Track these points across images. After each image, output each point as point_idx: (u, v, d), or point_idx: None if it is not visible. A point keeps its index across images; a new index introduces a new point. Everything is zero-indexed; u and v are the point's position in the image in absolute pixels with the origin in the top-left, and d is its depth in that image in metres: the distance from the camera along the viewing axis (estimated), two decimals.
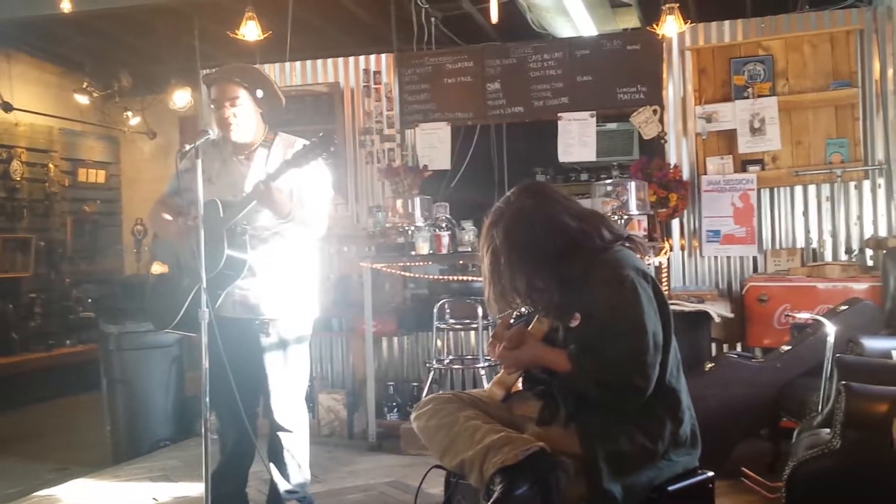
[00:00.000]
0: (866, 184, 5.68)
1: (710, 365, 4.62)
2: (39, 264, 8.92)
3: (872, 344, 3.86)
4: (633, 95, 6.06)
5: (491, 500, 2.44)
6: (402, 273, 5.87)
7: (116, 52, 8.67)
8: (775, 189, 5.83)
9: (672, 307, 2.76)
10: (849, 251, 5.68)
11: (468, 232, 5.50)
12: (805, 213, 5.79)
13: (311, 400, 5.91)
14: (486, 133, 7.05)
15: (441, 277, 5.70)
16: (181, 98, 9.10)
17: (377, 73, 6.58)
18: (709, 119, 5.88)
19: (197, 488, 4.61)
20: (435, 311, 5.61)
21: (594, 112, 6.13)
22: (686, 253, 5.96)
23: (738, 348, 5.58)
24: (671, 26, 5.62)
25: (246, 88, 3.76)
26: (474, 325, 5.59)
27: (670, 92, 6.01)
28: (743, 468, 4.31)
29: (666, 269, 5.60)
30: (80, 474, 5.29)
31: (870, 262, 5.58)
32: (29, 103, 8.77)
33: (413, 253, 5.52)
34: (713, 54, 5.97)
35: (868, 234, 5.64)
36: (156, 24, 7.59)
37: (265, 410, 3.95)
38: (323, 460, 5.26)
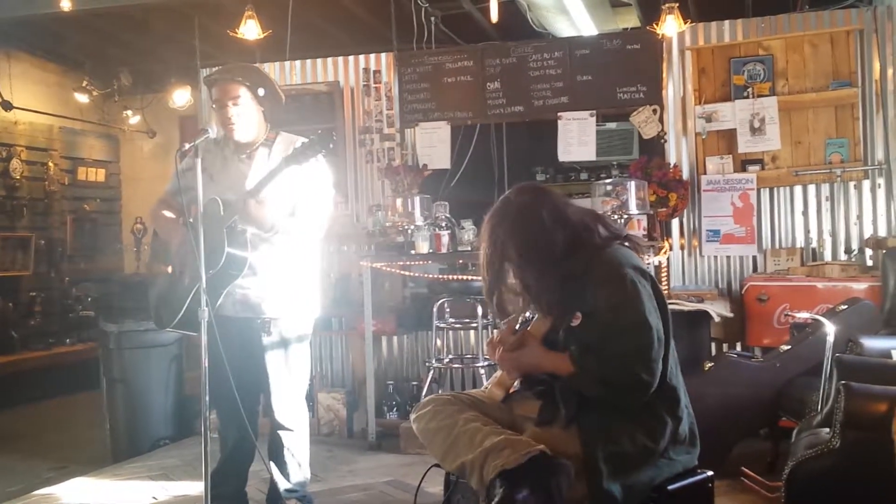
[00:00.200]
0: (866, 184, 5.68)
1: (709, 364, 4.62)
2: (39, 263, 8.92)
3: (872, 343, 3.87)
4: (633, 95, 6.06)
5: None
6: (402, 272, 5.87)
7: (116, 50, 8.67)
8: (775, 189, 5.83)
9: (672, 306, 2.77)
10: (848, 251, 5.68)
11: (468, 231, 5.50)
12: (805, 213, 5.79)
13: (311, 399, 5.91)
14: (485, 132, 7.05)
15: (441, 276, 5.70)
16: (181, 97, 9.10)
17: (377, 72, 6.57)
18: (708, 119, 5.88)
19: (196, 487, 4.61)
20: (434, 310, 5.62)
21: (594, 111, 6.13)
22: (686, 252, 5.96)
23: (738, 348, 5.58)
24: (671, 26, 5.63)
25: (248, 87, 3.77)
26: (474, 325, 5.60)
27: (670, 91, 6.01)
28: (742, 468, 4.31)
29: (666, 269, 5.60)
30: (79, 473, 5.29)
31: (869, 262, 5.58)
32: (29, 102, 8.77)
33: (413, 252, 5.52)
34: (713, 54, 5.97)
35: (868, 233, 5.64)
36: (156, 22, 7.59)
37: (266, 409, 3.96)
38: (322, 459, 5.26)
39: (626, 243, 2.75)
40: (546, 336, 2.74)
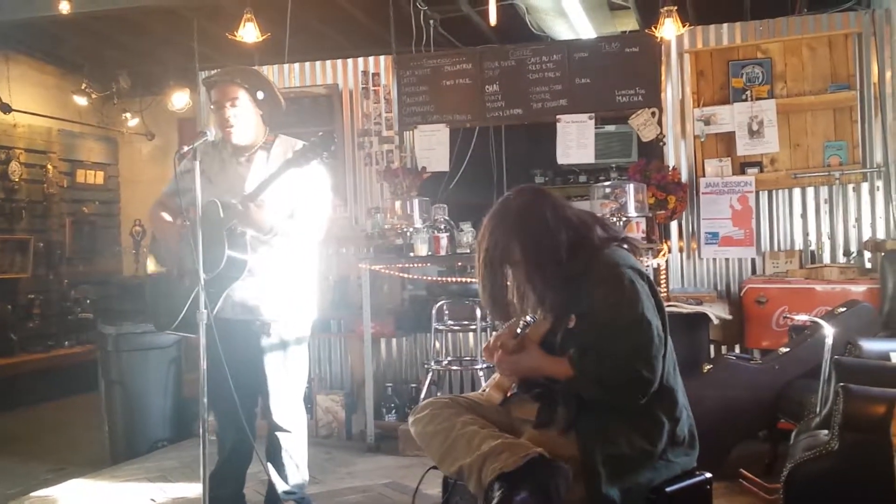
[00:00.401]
0: (864, 186, 5.69)
1: (708, 366, 4.62)
2: (38, 265, 8.91)
3: (870, 346, 3.87)
4: (632, 98, 6.06)
5: None
6: (401, 274, 5.87)
7: (115, 53, 8.67)
8: (773, 191, 5.84)
9: (670, 309, 2.78)
10: (847, 253, 5.68)
11: (467, 233, 5.50)
12: (803, 216, 5.80)
13: (310, 401, 5.92)
14: (484, 135, 7.05)
15: (439, 279, 5.70)
16: (180, 99, 9.11)
17: (376, 74, 6.58)
18: (707, 121, 5.88)
19: (195, 489, 4.61)
20: (433, 312, 5.62)
21: (593, 114, 6.13)
22: (684, 255, 5.96)
23: (737, 350, 5.59)
24: (669, 29, 5.63)
25: (246, 90, 3.77)
26: (473, 327, 5.60)
27: (669, 94, 6.02)
28: (741, 469, 4.31)
29: (664, 271, 5.61)
30: (77, 475, 5.29)
31: (868, 265, 5.58)
32: (28, 104, 8.77)
33: (411, 254, 5.52)
34: (711, 57, 5.98)
35: (866, 236, 5.64)
36: (154, 25, 7.59)
37: (264, 411, 3.96)
38: (321, 461, 5.26)
39: (625, 245, 2.75)
40: (544, 338, 2.73)
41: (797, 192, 5.81)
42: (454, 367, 5.78)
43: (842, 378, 3.17)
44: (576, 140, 6.14)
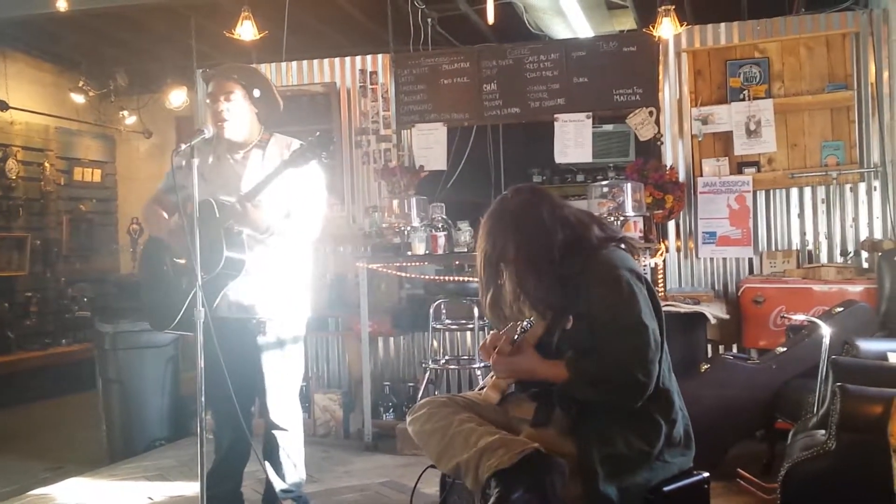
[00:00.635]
0: (862, 186, 5.70)
1: (705, 366, 4.62)
2: (35, 263, 8.91)
3: (868, 346, 3.87)
4: (630, 97, 6.06)
5: None
6: (398, 273, 5.87)
7: (113, 51, 8.66)
8: (771, 191, 5.84)
9: (668, 308, 2.78)
10: (844, 253, 5.69)
11: (464, 232, 5.50)
12: (801, 215, 5.81)
13: (307, 400, 5.93)
14: (482, 134, 7.06)
15: (437, 278, 5.70)
16: (177, 97, 9.11)
17: (373, 73, 6.58)
18: (705, 121, 5.89)
19: (192, 488, 4.62)
20: (431, 311, 5.62)
21: (590, 113, 6.13)
22: (682, 254, 5.97)
23: (734, 350, 5.60)
24: (667, 28, 5.63)
25: (243, 86, 3.78)
26: (470, 326, 5.60)
27: (666, 94, 6.02)
28: (738, 469, 4.32)
29: (662, 271, 5.61)
30: (75, 473, 5.29)
31: (865, 265, 5.59)
32: (25, 102, 8.76)
33: (409, 253, 5.52)
34: (709, 56, 5.98)
35: (863, 236, 5.65)
36: (152, 23, 7.58)
37: (261, 409, 3.96)
38: (319, 460, 5.26)
39: (622, 245, 2.74)
40: (541, 339, 2.73)
41: (794, 191, 5.82)
42: (452, 367, 5.78)
43: (839, 378, 3.18)
44: (573, 139, 6.14)
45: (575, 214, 2.74)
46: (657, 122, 6.00)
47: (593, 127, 6.18)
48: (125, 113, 9.83)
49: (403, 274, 5.93)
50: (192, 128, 7.01)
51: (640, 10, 6.87)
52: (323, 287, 6.19)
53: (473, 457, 2.51)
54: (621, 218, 5.21)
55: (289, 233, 3.75)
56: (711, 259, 5.92)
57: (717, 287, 5.88)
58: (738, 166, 5.88)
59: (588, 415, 2.58)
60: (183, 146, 3.45)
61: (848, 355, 3.81)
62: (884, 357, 3.67)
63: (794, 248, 5.79)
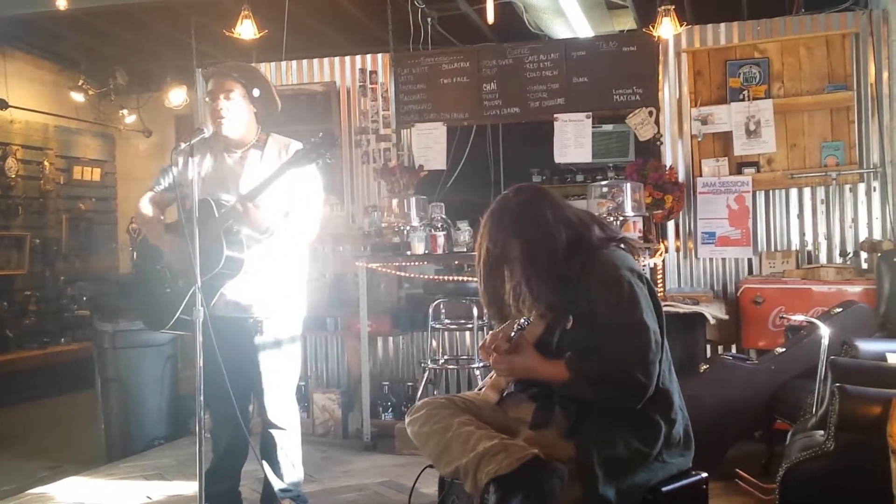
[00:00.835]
0: (861, 187, 5.70)
1: (704, 366, 4.63)
2: (34, 262, 8.90)
3: (866, 346, 3.87)
4: (629, 97, 6.06)
5: None
6: (398, 273, 5.87)
7: (112, 49, 8.65)
8: (770, 191, 5.84)
9: (667, 309, 2.77)
10: (843, 254, 5.69)
11: (464, 232, 5.50)
12: (800, 216, 5.81)
13: (306, 399, 5.93)
14: (482, 133, 7.06)
15: (436, 277, 5.70)
16: (177, 96, 9.09)
17: (373, 72, 6.58)
18: (704, 121, 5.89)
19: (191, 487, 4.62)
20: (430, 310, 5.62)
21: (590, 113, 6.13)
22: (681, 254, 5.97)
23: (733, 350, 5.59)
24: (667, 28, 5.63)
25: (243, 85, 3.79)
26: (469, 326, 5.60)
27: (666, 94, 6.02)
28: (737, 469, 4.31)
29: (661, 271, 5.61)
30: (73, 472, 5.29)
31: (864, 265, 5.59)
32: (24, 101, 8.75)
33: (408, 253, 5.52)
34: (709, 56, 5.98)
35: (863, 236, 5.65)
36: (152, 22, 7.57)
37: (259, 409, 3.96)
38: (317, 460, 5.26)
39: (622, 245, 2.74)
40: (540, 338, 2.73)
41: (794, 192, 5.82)
42: (451, 366, 5.78)
43: (838, 378, 3.18)
44: (573, 139, 6.14)
45: (576, 214, 2.74)
46: (657, 123, 6.00)
47: (593, 127, 6.19)
48: (125, 112, 9.81)
49: (403, 273, 5.93)
50: (192, 127, 7.00)
51: (639, 10, 6.86)
52: (322, 286, 6.19)
53: (472, 461, 2.51)
54: (621, 218, 5.21)
55: (287, 233, 3.75)
56: (711, 259, 5.91)
57: (716, 287, 5.88)
58: (738, 166, 5.88)
59: (587, 416, 2.58)
60: (183, 145, 3.46)
61: (847, 356, 3.81)
62: (883, 358, 3.67)
63: (793, 248, 5.79)
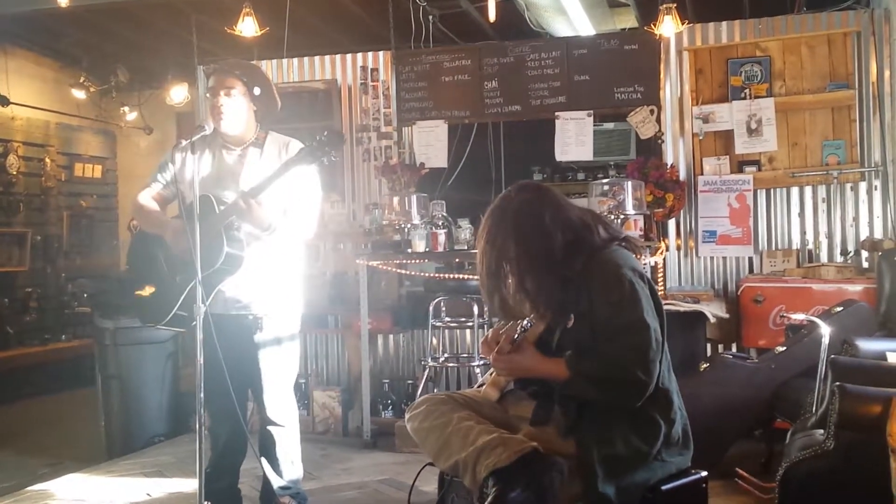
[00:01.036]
0: (862, 185, 5.69)
1: (704, 365, 4.63)
2: (35, 259, 8.91)
3: (867, 345, 3.87)
4: (631, 95, 6.06)
5: None
6: (398, 270, 5.87)
7: (114, 47, 8.65)
8: (772, 190, 5.84)
9: (667, 307, 2.77)
10: (844, 253, 5.68)
11: (464, 230, 5.50)
12: (801, 215, 5.80)
13: (307, 397, 5.93)
14: (483, 131, 7.05)
15: (437, 275, 5.70)
16: (178, 93, 9.09)
17: (375, 70, 6.57)
18: (706, 119, 5.88)
19: (190, 484, 4.62)
20: (430, 308, 5.62)
21: (591, 111, 6.13)
22: (682, 253, 5.96)
23: (734, 349, 5.59)
24: (669, 26, 5.63)
25: (244, 83, 3.79)
26: (470, 324, 5.60)
27: (667, 92, 6.02)
28: (737, 468, 4.32)
29: (662, 269, 5.61)
30: (73, 469, 5.30)
31: (865, 264, 5.59)
32: (26, 97, 8.75)
33: (409, 250, 5.52)
34: (710, 55, 5.97)
35: (864, 235, 5.64)
36: (153, 19, 7.57)
37: (257, 406, 3.97)
38: (317, 457, 5.27)
39: (624, 244, 2.74)
40: (541, 337, 2.73)
41: (795, 190, 5.81)
42: (451, 364, 5.78)
43: (838, 377, 3.18)
44: (574, 137, 6.13)
45: (578, 215, 2.72)
46: (658, 121, 6.00)
47: (594, 125, 6.18)
48: (126, 109, 9.81)
49: (403, 271, 5.93)
50: (193, 124, 6.99)
51: (641, 8, 6.86)
52: (323, 284, 6.19)
53: (471, 455, 2.51)
54: (622, 216, 5.21)
55: (287, 230, 3.75)
56: (711, 258, 5.91)
57: (716, 286, 5.87)
58: (739, 165, 5.87)
59: (587, 414, 2.58)
60: (184, 142, 3.46)
61: (847, 355, 3.81)
62: (883, 357, 3.67)
63: (794, 247, 5.79)
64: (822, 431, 3.06)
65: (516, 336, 2.68)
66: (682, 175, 5.89)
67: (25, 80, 8.83)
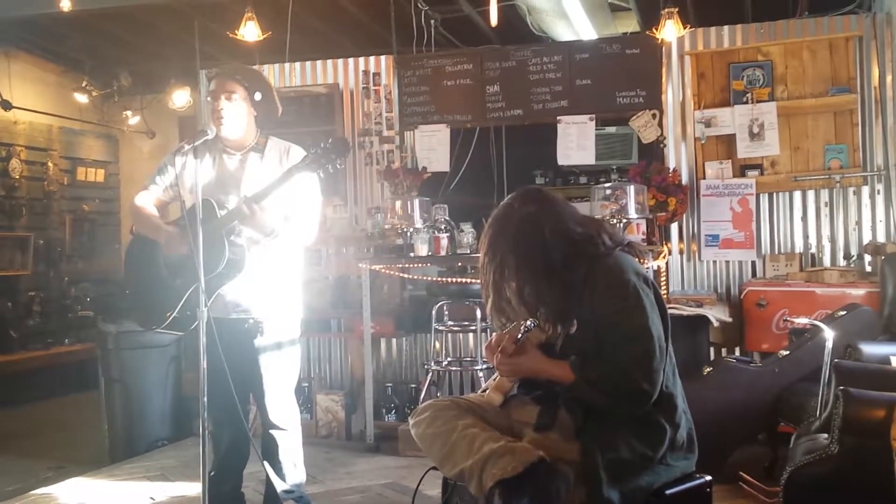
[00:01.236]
0: (865, 189, 5.69)
1: (708, 369, 4.62)
2: (38, 263, 8.91)
3: (870, 349, 3.87)
4: (633, 99, 6.06)
5: None
6: (401, 274, 5.88)
7: (116, 51, 8.66)
8: (774, 194, 5.84)
9: (670, 311, 2.77)
10: (847, 257, 5.68)
11: (467, 234, 5.51)
12: (804, 219, 5.80)
13: (310, 401, 5.93)
14: (485, 135, 7.05)
15: (440, 279, 5.70)
16: (180, 98, 9.10)
17: (377, 74, 6.58)
18: (708, 124, 5.88)
19: (194, 488, 4.62)
20: (433, 312, 5.62)
21: (593, 115, 6.13)
22: (685, 257, 5.96)
23: (737, 353, 5.60)
24: (670, 31, 5.62)
25: (245, 88, 3.79)
26: (473, 328, 5.59)
27: (669, 96, 6.02)
28: (741, 473, 4.32)
29: (665, 274, 5.61)
30: (77, 473, 5.30)
31: (868, 268, 5.58)
32: (28, 101, 8.77)
33: (412, 254, 5.53)
34: (712, 59, 5.98)
35: (866, 239, 5.65)
36: (156, 23, 7.59)
37: (259, 410, 3.97)
38: (321, 461, 5.27)
39: (628, 250, 2.74)
40: (544, 343, 2.73)
41: (797, 195, 5.81)
42: (454, 368, 5.78)
43: (841, 381, 3.17)
44: (576, 141, 6.13)
45: (580, 226, 2.70)
46: (660, 125, 6.00)
47: (596, 129, 6.17)
48: (128, 113, 9.82)
49: (406, 275, 5.93)
50: (196, 128, 7.00)
51: (643, 12, 6.86)
52: (326, 288, 6.19)
53: (477, 464, 2.50)
54: (624, 220, 5.22)
55: (288, 235, 3.76)
56: (714, 262, 5.91)
57: (719, 290, 5.87)
58: (741, 169, 5.88)
59: (592, 418, 2.58)
60: (186, 146, 3.46)
61: (851, 359, 3.81)
62: (886, 361, 3.67)
63: (796, 251, 5.79)
64: (826, 435, 3.06)
65: (519, 336, 2.68)
66: (685, 179, 5.89)
67: (28, 84, 8.85)
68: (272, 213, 3.65)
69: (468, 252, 5.43)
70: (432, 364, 5.68)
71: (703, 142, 5.91)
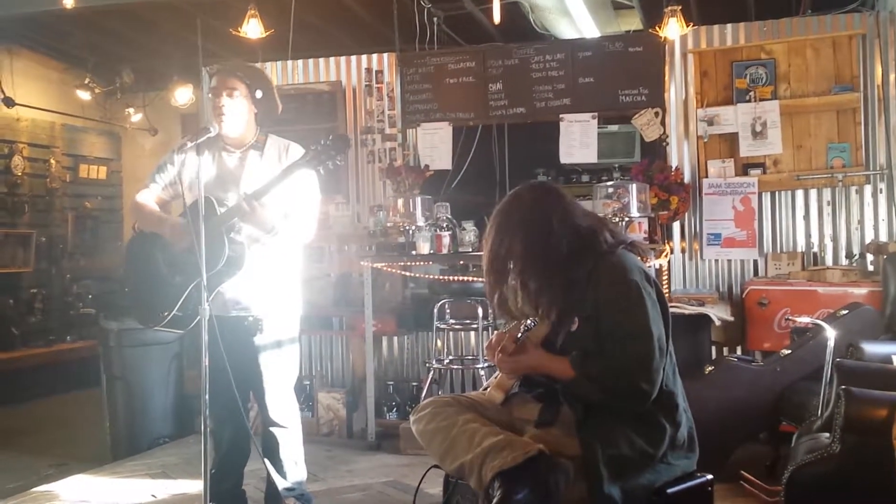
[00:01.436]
0: (867, 188, 5.68)
1: (710, 368, 4.62)
2: (40, 260, 8.92)
3: (872, 349, 3.87)
4: (635, 97, 6.05)
5: None
6: (403, 273, 5.88)
7: (119, 48, 8.66)
8: (776, 193, 5.83)
9: (672, 310, 2.77)
10: (849, 256, 5.68)
11: (469, 232, 5.50)
12: (806, 217, 5.80)
13: (311, 399, 5.94)
14: (487, 133, 7.05)
15: (441, 277, 5.70)
16: (183, 95, 9.09)
17: (379, 72, 6.58)
18: (710, 122, 5.88)
19: (195, 485, 4.62)
20: (435, 310, 5.62)
21: (596, 113, 6.12)
22: (687, 256, 5.96)
23: (739, 352, 5.59)
24: (673, 29, 5.62)
25: (246, 85, 3.80)
26: (474, 326, 5.59)
27: (672, 94, 6.01)
28: (742, 472, 4.31)
29: (666, 272, 5.60)
30: (79, 470, 5.30)
31: (870, 267, 5.57)
32: (31, 99, 8.77)
33: (414, 252, 5.52)
34: (715, 57, 5.97)
35: (869, 238, 5.64)
36: (158, 20, 7.59)
37: (259, 407, 3.97)
38: (322, 459, 5.27)
39: (630, 248, 2.74)
40: (545, 339, 2.73)
41: (800, 193, 5.80)
42: (456, 366, 5.78)
43: (843, 381, 3.17)
44: (579, 139, 6.13)
45: (586, 220, 2.73)
46: (663, 123, 5.99)
47: (599, 127, 6.17)
48: (131, 110, 9.82)
49: (408, 273, 5.93)
50: (198, 125, 7.01)
51: (646, 10, 6.85)
52: (327, 286, 6.19)
53: (477, 457, 2.52)
54: (626, 218, 5.21)
55: (288, 233, 3.76)
56: (716, 261, 5.90)
57: (721, 289, 5.87)
58: (744, 168, 5.87)
59: (593, 415, 2.58)
60: (189, 143, 3.47)
61: (852, 358, 3.81)
62: (888, 360, 3.67)
63: (799, 250, 5.78)
64: (827, 435, 3.05)
65: (520, 335, 2.69)
66: (687, 178, 5.89)
67: (30, 82, 8.84)
68: (272, 211, 3.65)
69: (470, 250, 5.43)
70: (434, 362, 5.68)
71: (705, 140, 5.90)
